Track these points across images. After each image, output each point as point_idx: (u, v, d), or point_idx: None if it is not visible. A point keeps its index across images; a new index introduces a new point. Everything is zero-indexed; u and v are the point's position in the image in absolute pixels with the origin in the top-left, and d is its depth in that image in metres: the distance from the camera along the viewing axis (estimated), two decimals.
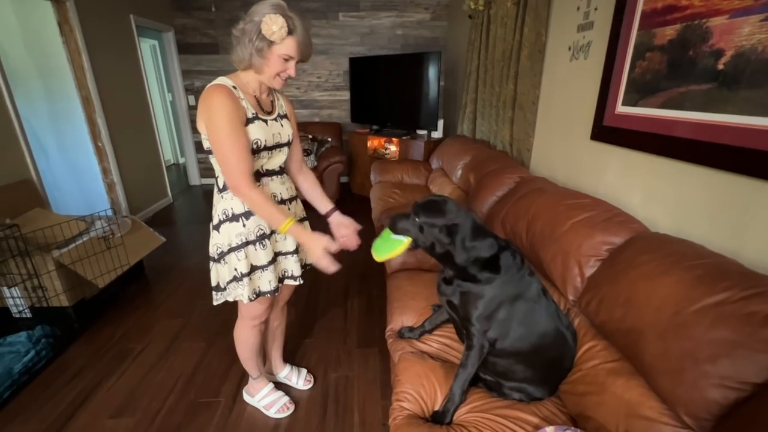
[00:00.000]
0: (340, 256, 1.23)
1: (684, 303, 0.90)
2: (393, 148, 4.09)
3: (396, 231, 1.16)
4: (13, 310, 2.04)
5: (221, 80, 1.08)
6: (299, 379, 1.73)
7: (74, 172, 3.37)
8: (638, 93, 1.41)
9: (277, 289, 1.28)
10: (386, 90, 4.20)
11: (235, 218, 1.17)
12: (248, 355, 1.50)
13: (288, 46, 1.05)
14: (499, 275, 1.08)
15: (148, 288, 2.58)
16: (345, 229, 1.36)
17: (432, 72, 3.69)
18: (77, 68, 3.04)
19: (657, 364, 0.91)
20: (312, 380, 1.76)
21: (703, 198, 1.18)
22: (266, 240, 1.22)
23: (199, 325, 2.16)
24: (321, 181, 4.09)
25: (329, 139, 4.48)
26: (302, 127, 4.51)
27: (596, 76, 1.64)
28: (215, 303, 1.27)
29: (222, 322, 2.13)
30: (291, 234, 1.15)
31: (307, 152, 4.11)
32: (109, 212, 2.38)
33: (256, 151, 1.12)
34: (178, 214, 4.06)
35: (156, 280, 2.67)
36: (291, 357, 1.91)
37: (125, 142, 3.59)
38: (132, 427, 1.53)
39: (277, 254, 1.29)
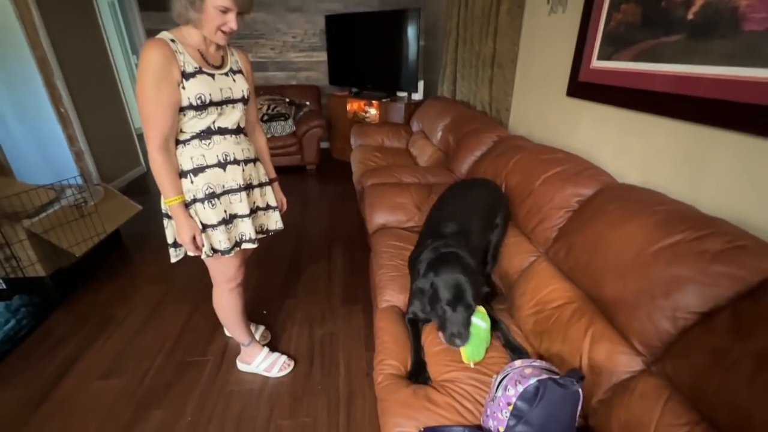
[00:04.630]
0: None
1: (644, 245, 0.97)
2: (373, 111, 4.02)
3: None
4: None
5: (160, 34, 1.06)
6: (256, 335, 1.72)
7: (37, 140, 3.19)
8: (612, 46, 1.42)
9: (230, 251, 1.25)
10: (365, 50, 4.06)
11: (183, 174, 1.15)
12: (233, 321, 1.50)
13: None
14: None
15: (127, 256, 2.55)
16: (279, 196, 1.50)
17: (411, 31, 3.57)
18: (28, 25, 2.80)
19: (617, 302, 0.99)
20: (269, 337, 1.80)
21: (668, 149, 1.22)
22: (215, 199, 1.19)
23: (182, 289, 2.17)
24: (300, 146, 4.03)
25: (307, 103, 4.35)
26: (279, 91, 4.35)
27: (574, 30, 1.63)
28: (173, 260, 1.28)
29: (206, 286, 2.12)
30: (171, 211, 1.15)
31: (285, 117, 3.99)
32: (78, 179, 2.30)
33: (201, 106, 1.09)
34: (153, 183, 3.94)
35: (135, 248, 2.64)
36: (275, 317, 1.96)
37: (90, 108, 3.39)
38: (122, 387, 1.56)
39: (233, 216, 1.26)
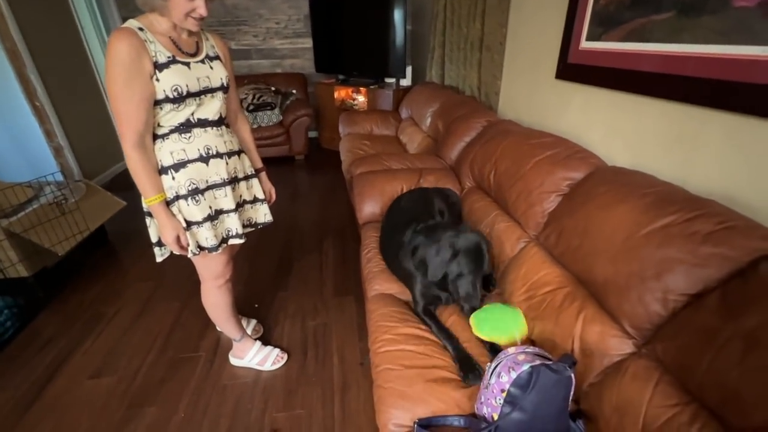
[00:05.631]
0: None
1: (635, 228, 0.96)
2: (361, 98, 3.95)
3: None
4: None
5: (127, 23, 0.99)
6: (247, 329, 1.72)
7: (13, 136, 3.07)
8: (602, 26, 1.39)
9: (217, 248, 1.21)
10: (351, 36, 3.96)
11: (164, 171, 1.10)
12: (224, 318, 1.48)
13: None
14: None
15: (114, 253, 2.50)
16: (268, 187, 1.46)
17: (398, 14, 3.50)
18: None
19: (608, 285, 0.98)
20: (261, 330, 1.79)
21: (658, 130, 1.21)
22: (199, 195, 1.14)
23: (172, 286, 2.13)
24: (288, 136, 3.96)
25: (294, 92, 4.26)
26: (264, 79, 4.25)
27: (562, 10, 1.60)
28: (158, 259, 1.24)
29: (196, 282, 2.07)
30: (152, 210, 1.10)
31: (271, 106, 3.91)
32: (58, 176, 2.22)
33: (178, 98, 1.03)
34: None
35: (122, 245, 2.58)
36: (267, 310, 1.94)
37: (68, 102, 3.27)
38: (114, 385, 1.54)
39: (218, 212, 1.21)
